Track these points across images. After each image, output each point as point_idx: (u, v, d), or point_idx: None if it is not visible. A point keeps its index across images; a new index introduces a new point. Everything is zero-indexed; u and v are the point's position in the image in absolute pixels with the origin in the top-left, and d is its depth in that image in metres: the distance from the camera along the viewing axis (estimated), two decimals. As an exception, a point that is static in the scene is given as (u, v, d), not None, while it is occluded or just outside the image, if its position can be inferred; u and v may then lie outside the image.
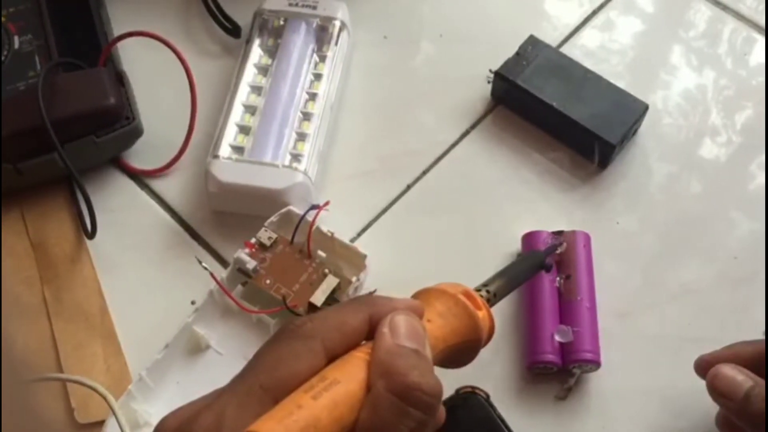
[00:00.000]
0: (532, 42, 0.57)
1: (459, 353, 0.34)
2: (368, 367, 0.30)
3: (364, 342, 0.32)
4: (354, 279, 0.48)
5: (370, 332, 0.32)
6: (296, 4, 0.58)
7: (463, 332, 0.34)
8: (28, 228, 0.54)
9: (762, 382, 0.40)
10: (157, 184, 0.56)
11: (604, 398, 0.48)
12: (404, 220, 0.54)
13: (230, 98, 0.55)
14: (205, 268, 0.48)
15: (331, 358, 0.30)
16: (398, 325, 0.31)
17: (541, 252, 0.46)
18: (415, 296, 0.35)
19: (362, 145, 0.57)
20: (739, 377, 0.40)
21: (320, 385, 0.29)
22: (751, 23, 0.62)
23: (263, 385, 0.29)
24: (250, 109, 0.55)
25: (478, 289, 0.37)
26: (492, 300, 0.37)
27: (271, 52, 0.57)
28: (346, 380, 0.29)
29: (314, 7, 0.58)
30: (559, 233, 0.51)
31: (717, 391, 0.41)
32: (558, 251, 0.50)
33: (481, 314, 0.35)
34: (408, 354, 0.30)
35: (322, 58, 0.57)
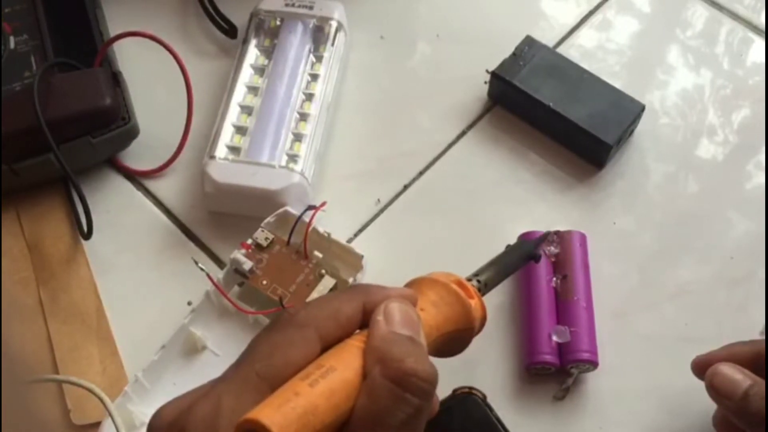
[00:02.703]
0: (529, 42, 0.57)
1: (452, 342, 0.35)
2: (364, 355, 0.30)
3: (358, 331, 0.32)
4: (351, 280, 0.48)
5: (364, 321, 0.32)
6: (293, 5, 0.58)
7: (456, 321, 0.34)
8: (23, 229, 0.54)
9: (761, 381, 0.40)
10: (154, 185, 0.56)
11: (601, 398, 0.48)
12: (401, 220, 0.54)
13: (227, 98, 0.55)
14: (202, 269, 0.48)
15: (326, 346, 0.31)
16: (393, 313, 0.31)
17: (530, 242, 0.46)
18: (408, 285, 0.36)
19: (359, 145, 0.57)
20: (738, 376, 0.40)
21: (317, 372, 0.29)
22: (748, 23, 0.62)
23: (259, 373, 0.29)
24: (246, 110, 0.55)
25: (469, 279, 0.37)
26: (483, 289, 0.38)
27: (268, 52, 0.57)
28: (343, 367, 0.29)
29: (311, 8, 0.58)
30: (556, 233, 0.51)
31: (716, 389, 0.41)
32: (552, 249, 0.50)
33: (474, 303, 0.35)
34: (403, 341, 0.30)
35: (319, 59, 0.57)
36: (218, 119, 0.54)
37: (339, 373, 0.29)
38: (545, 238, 0.49)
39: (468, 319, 0.34)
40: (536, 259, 0.45)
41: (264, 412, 0.27)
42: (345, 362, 0.30)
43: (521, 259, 0.43)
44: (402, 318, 0.31)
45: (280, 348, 0.30)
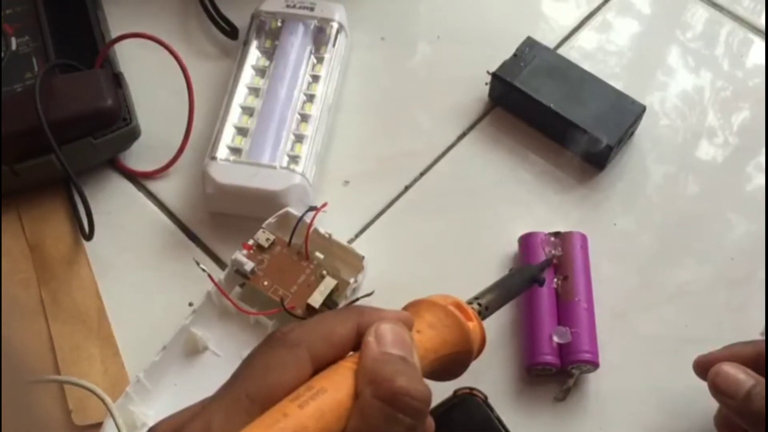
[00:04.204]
0: (530, 43, 0.57)
1: (450, 365, 0.35)
2: (355, 377, 0.30)
3: (351, 353, 0.32)
4: (351, 280, 0.48)
5: (358, 342, 0.32)
6: (294, 6, 0.58)
7: (454, 343, 0.34)
8: (25, 230, 0.54)
9: (763, 380, 0.40)
10: (155, 186, 0.56)
11: (602, 399, 0.48)
12: (402, 221, 0.54)
13: (228, 100, 0.55)
14: (203, 270, 0.48)
15: (318, 367, 0.30)
16: (384, 334, 0.31)
17: (535, 266, 0.46)
18: (406, 308, 0.35)
19: (360, 146, 0.57)
20: (741, 375, 0.40)
21: (307, 394, 0.29)
22: (748, 25, 0.62)
23: (249, 394, 0.29)
24: (247, 111, 0.55)
25: (469, 302, 0.37)
26: (483, 313, 0.38)
27: (269, 53, 0.57)
28: (333, 389, 0.29)
29: (312, 9, 0.58)
30: (556, 234, 0.51)
31: (718, 389, 0.41)
32: (548, 246, 0.50)
33: (472, 325, 0.35)
34: (394, 361, 0.30)
35: (320, 60, 0.57)
36: (219, 120, 0.54)
37: (329, 394, 0.29)
38: (550, 262, 0.49)
39: (466, 341, 0.34)
40: (540, 282, 0.45)
41: None
42: (336, 384, 0.29)
43: (524, 283, 0.43)
44: (393, 338, 0.31)
45: (272, 369, 0.30)
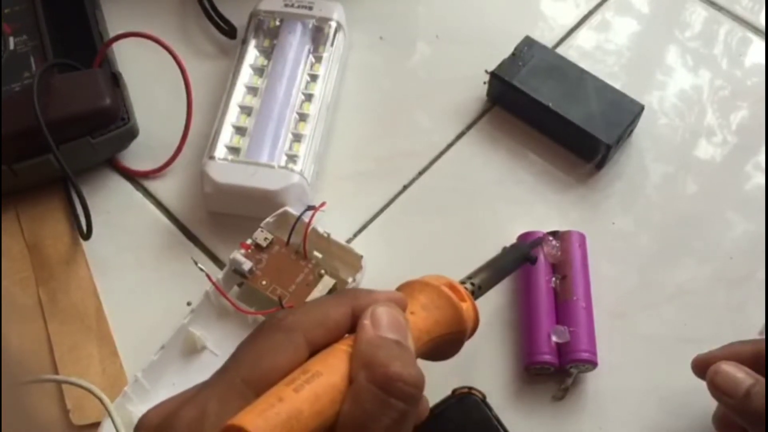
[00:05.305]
0: (528, 43, 0.57)
1: (443, 345, 0.35)
2: (350, 360, 0.30)
3: (347, 335, 0.32)
4: (350, 280, 0.48)
5: (353, 325, 0.32)
6: (292, 5, 0.58)
7: (447, 324, 0.34)
8: (23, 229, 0.54)
9: (762, 379, 0.40)
10: (153, 185, 0.56)
11: (600, 398, 0.48)
12: (400, 220, 0.54)
13: (226, 99, 0.55)
14: (201, 269, 0.48)
15: (314, 351, 0.31)
16: (379, 317, 0.31)
17: (526, 244, 0.46)
18: (399, 289, 0.35)
19: (358, 145, 0.57)
20: (740, 374, 0.40)
21: (302, 377, 0.29)
22: (747, 24, 0.62)
23: (245, 378, 0.29)
24: (246, 110, 0.55)
25: (462, 282, 0.37)
26: (476, 292, 0.38)
27: (267, 52, 0.57)
28: (328, 372, 0.29)
29: (310, 8, 0.58)
30: (555, 233, 0.51)
31: (717, 388, 0.41)
32: (553, 252, 0.50)
33: (465, 306, 0.35)
34: (389, 345, 0.30)
35: (318, 59, 0.57)
36: (218, 119, 0.54)
37: (325, 378, 0.29)
38: (541, 241, 0.49)
39: (459, 322, 0.34)
40: (532, 261, 0.45)
41: (247, 418, 0.27)
42: (331, 367, 0.29)
43: (516, 261, 0.43)
44: (389, 322, 0.31)
45: (267, 353, 0.30)
